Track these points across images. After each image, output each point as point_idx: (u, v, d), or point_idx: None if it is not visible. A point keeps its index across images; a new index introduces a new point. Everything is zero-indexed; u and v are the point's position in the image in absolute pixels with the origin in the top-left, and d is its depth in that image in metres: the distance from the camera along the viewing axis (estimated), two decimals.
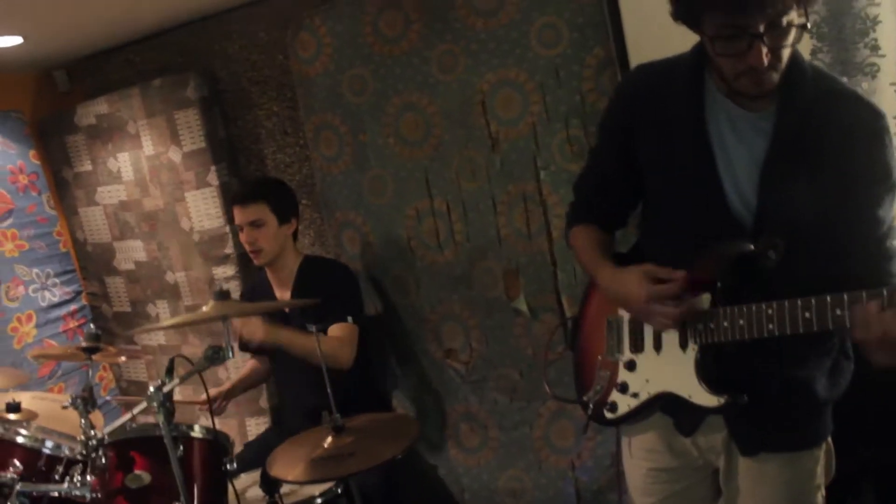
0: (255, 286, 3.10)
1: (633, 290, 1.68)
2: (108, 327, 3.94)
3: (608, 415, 1.83)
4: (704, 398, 1.65)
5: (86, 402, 2.19)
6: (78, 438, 2.37)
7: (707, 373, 1.66)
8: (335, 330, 2.83)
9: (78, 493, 2.18)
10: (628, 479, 1.97)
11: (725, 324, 1.59)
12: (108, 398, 3.81)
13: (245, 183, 2.98)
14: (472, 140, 2.90)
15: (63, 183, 3.96)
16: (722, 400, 1.64)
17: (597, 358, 1.86)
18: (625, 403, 1.79)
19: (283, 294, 2.98)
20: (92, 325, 2.40)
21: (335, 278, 2.98)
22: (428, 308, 3.14)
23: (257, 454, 2.66)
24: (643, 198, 1.86)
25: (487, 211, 2.92)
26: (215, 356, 2.02)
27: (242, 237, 2.95)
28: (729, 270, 1.61)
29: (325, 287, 2.88)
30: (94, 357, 2.43)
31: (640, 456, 1.89)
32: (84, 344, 2.43)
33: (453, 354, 3.13)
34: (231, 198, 3.11)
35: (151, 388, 2.02)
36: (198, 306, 3.64)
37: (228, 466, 2.29)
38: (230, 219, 3.43)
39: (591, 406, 1.84)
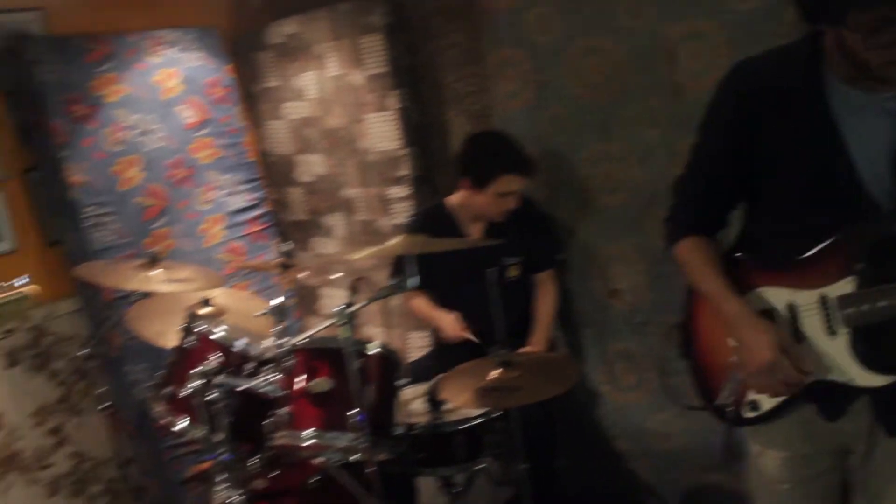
0: (434, 217, 3.22)
1: (764, 349, 1.70)
2: (285, 234, 4.23)
3: (749, 414, 1.86)
4: (869, 379, 1.68)
5: (279, 312, 2.42)
6: (263, 338, 2.63)
7: (866, 354, 1.68)
8: (546, 277, 3.05)
9: (266, 389, 2.43)
10: (757, 466, 2.00)
11: (883, 303, 1.62)
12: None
13: (522, 151, 3.00)
14: (655, 88, 2.91)
15: (252, 97, 4.22)
16: (890, 378, 1.67)
17: (723, 361, 1.87)
18: (769, 401, 1.82)
19: (473, 230, 3.14)
20: (288, 242, 2.60)
21: (545, 224, 3.15)
22: (597, 247, 3.22)
23: (422, 372, 2.86)
24: (748, 196, 1.87)
25: (664, 159, 2.94)
26: (400, 286, 2.19)
27: (503, 203, 3.01)
28: (872, 252, 1.65)
29: (532, 231, 3.06)
30: (286, 272, 2.65)
31: (774, 444, 1.92)
32: (279, 260, 2.66)
33: (618, 294, 3.21)
34: (510, 165, 3.00)
35: (338, 307, 2.22)
36: (371, 222, 3.86)
37: (399, 381, 2.50)
38: (407, 142, 3.59)
39: (727, 409, 1.87)
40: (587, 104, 3.09)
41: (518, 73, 3.25)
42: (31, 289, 1.92)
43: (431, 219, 3.20)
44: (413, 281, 2.27)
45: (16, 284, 1.92)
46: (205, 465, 3.60)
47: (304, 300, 4.30)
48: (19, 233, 3.69)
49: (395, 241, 2.39)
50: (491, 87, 3.41)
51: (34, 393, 3.75)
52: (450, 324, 3.05)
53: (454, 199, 3.21)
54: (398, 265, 3.16)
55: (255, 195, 4.10)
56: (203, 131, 3.90)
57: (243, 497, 2.41)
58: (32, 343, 3.73)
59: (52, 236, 3.76)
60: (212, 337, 2.57)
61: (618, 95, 3.01)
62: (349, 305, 2.24)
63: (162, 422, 2.67)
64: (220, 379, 2.40)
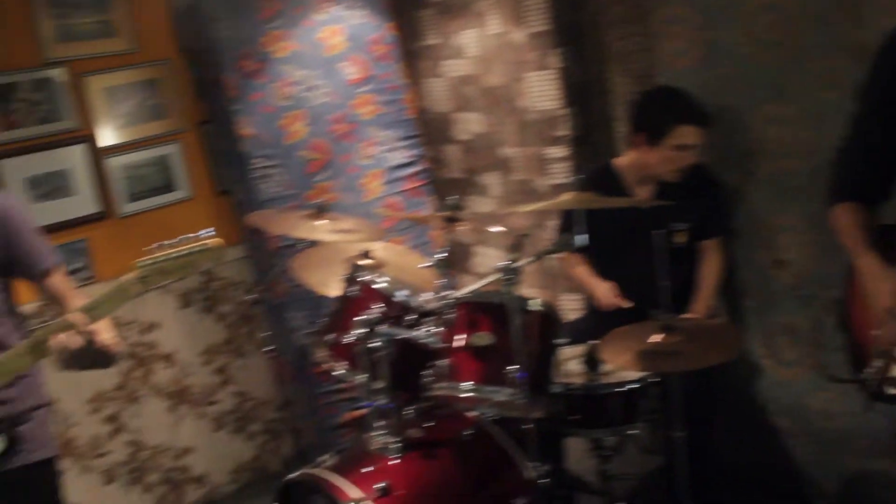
0: (603, 177, 3.16)
1: (885, 296, 1.71)
2: (441, 191, 4.27)
3: (892, 390, 1.80)
4: None
5: (444, 264, 2.46)
6: (422, 291, 2.67)
7: None
8: (713, 245, 2.99)
9: (427, 340, 2.48)
10: None
11: None
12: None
13: (698, 102, 2.94)
14: (836, 48, 2.74)
15: (412, 54, 4.26)
16: None
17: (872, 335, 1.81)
18: None
19: (641, 193, 3.08)
20: (454, 197, 2.63)
21: (716, 190, 3.06)
22: (764, 215, 3.09)
23: (578, 333, 2.84)
24: None
25: (841, 124, 2.77)
26: (566, 244, 2.18)
27: (679, 158, 2.95)
28: None
29: (703, 197, 2.98)
30: (450, 225, 2.68)
31: None
32: (445, 213, 2.69)
33: (783, 265, 3.08)
34: (687, 115, 2.92)
35: (503, 262, 2.23)
36: (527, 182, 3.84)
37: (558, 340, 2.49)
38: (567, 102, 3.54)
39: (869, 382, 1.82)
40: (760, 64, 2.95)
41: (685, 31, 3.13)
42: (216, 241, 2.01)
43: (600, 178, 3.14)
44: (581, 239, 2.25)
45: (201, 235, 2.01)
46: (358, 412, 3.73)
47: (458, 257, 4.35)
48: (194, 182, 3.91)
49: (564, 197, 2.37)
50: (656, 45, 3.31)
51: (203, 333, 3.99)
52: (605, 293, 3.02)
53: (623, 160, 3.15)
54: (565, 223, 3.15)
55: (413, 152, 4.15)
56: (365, 88, 3.97)
57: (399, 444, 2.47)
58: (203, 286, 3.96)
59: (222, 186, 3.96)
60: (375, 287, 2.63)
61: (794, 55, 2.86)
62: (513, 261, 2.25)
63: (323, 367, 2.76)
64: (382, 328, 2.46)
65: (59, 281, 2.29)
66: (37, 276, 2.26)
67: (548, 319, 2.47)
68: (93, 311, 1.97)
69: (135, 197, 3.76)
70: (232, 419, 4.11)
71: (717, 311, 3.23)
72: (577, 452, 2.99)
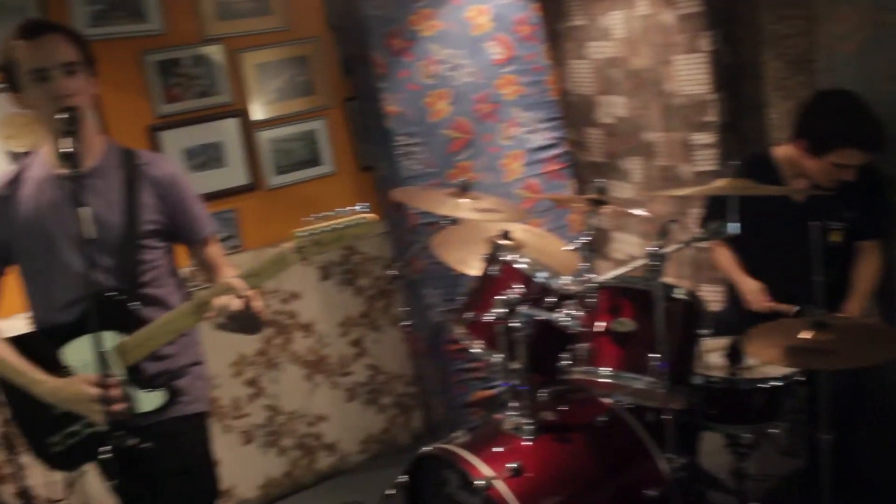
0: (759, 165, 3.02)
1: None
2: (581, 175, 4.22)
3: None
4: None
5: (589, 247, 2.43)
6: (564, 274, 2.65)
7: None
8: (872, 246, 2.91)
9: (567, 323, 2.46)
10: None
11: None
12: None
13: (872, 122, 2.74)
14: None
15: (557, 35, 4.21)
16: None
17: None
18: None
19: (797, 184, 2.96)
20: (602, 180, 2.60)
21: (880, 189, 2.91)
22: None
23: (720, 325, 2.75)
24: None
25: None
26: (718, 231, 2.11)
27: (837, 173, 2.81)
28: None
29: (865, 194, 2.84)
30: (596, 208, 2.65)
31: None
32: (591, 195, 2.66)
33: None
34: (856, 137, 2.74)
35: (650, 248, 2.19)
36: (671, 168, 3.75)
37: (702, 331, 2.42)
38: (716, 86, 3.43)
39: None
40: None
41: (855, 12, 2.96)
42: (371, 215, 2.07)
43: (756, 166, 2.97)
44: (734, 227, 2.17)
45: (357, 209, 2.07)
46: (489, 392, 3.74)
47: (596, 242, 4.29)
48: (338, 157, 4.01)
49: (718, 183, 2.30)
50: (815, 28, 3.14)
51: (341, 305, 4.09)
52: (753, 293, 2.93)
53: (781, 151, 3.02)
54: (714, 211, 3.05)
55: (555, 134, 4.11)
56: (509, 68, 3.96)
57: (532, 426, 2.46)
58: (343, 260, 4.06)
59: (365, 162, 4.04)
60: (515, 267, 2.63)
61: None
62: (661, 247, 2.20)
63: (459, 345, 2.79)
64: (521, 309, 2.45)
65: (214, 249, 2.40)
66: (195, 243, 2.37)
67: (692, 309, 2.41)
68: (252, 278, 2.07)
69: (281, 170, 3.89)
70: (364, 391, 4.21)
71: (871, 313, 3.07)
72: (713, 448, 2.91)
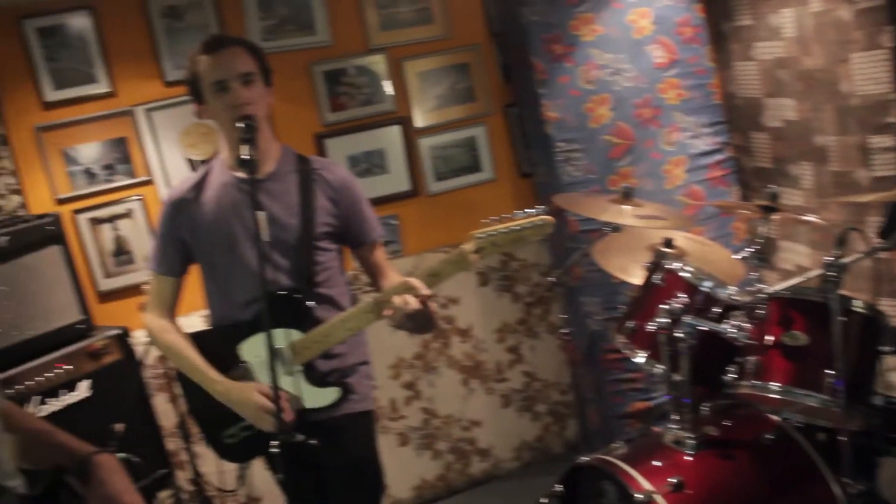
0: None
1: None
2: (746, 181, 4.06)
3: None
4: None
5: (759, 256, 2.33)
6: (730, 284, 2.55)
7: None
8: None
9: (734, 335, 2.36)
10: None
11: None
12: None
13: None
14: None
15: (721, 36, 4.07)
16: None
17: None
18: None
19: None
20: (773, 186, 2.49)
21: None
22: None
23: None
24: None
25: None
26: None
27: None
28: None
29: None
30: (768, 215, 2.54)
31: None
32: (763, 202, 2.55)
33: None
34: None
35: (828, 258, 2.07)
36: (846, 174, 3.54)
37: (882, 347, 2.27)
38: None
39: None
40: None
41: None
42: (547, 218, 2.09)
43: None
44: None
45: (532, 212, 2.11)
46: (646, 404, 3.66)
47: (764, 251, 4.10)
48: (498, 164, 4.04)
49: None
50: None
51: (499, 311, 4.11)
52: None
53: None
54: None
55: (719, 139, 3.97)
56: (671, 72, 3.86)
57: (694, 440, 2.38)
58: (502, 266, 4.08)
59: (525, 168, 4.05)
60: (680, 276, 2.56)
61: None
62: (840, 258, 2.08)
63: (619, 354, 2.74)
64: (686, 319, 2.38)
65: (380, 251, 2.48)
66: (363, 245, 2.45)
67: (872, 323, 2.26)
68: (430, 278, 2.14)
69: (441, 176, 3.96)
70: (519, 398, 4.21)
71: None
72: (892, 475, 2.72)
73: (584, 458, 2.48)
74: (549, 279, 3.21)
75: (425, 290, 2.13)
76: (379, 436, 3.83)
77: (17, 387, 2.81)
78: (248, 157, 2.04)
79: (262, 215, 1.95)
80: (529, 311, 4.16)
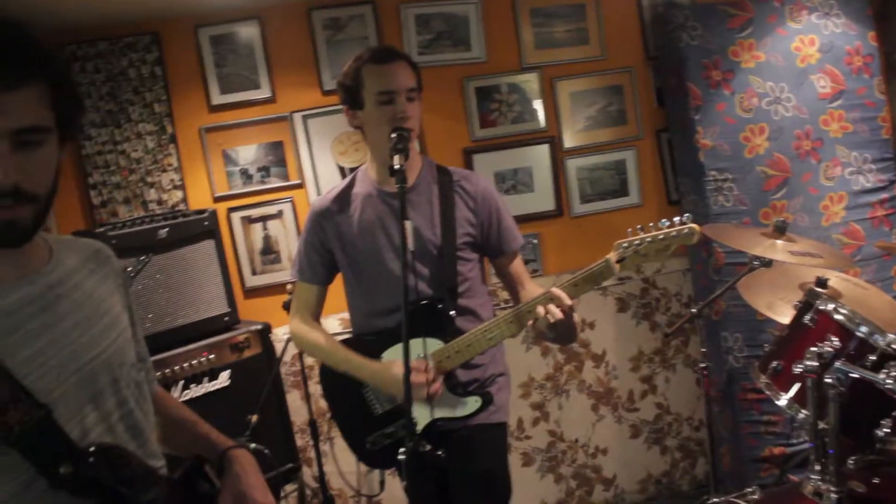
0: None
1: None
2: None
3: None
4: None
5: None
6: (889, 332, 2.38)
7: None
8: None
9: (892, 387, 2.21)
10: None
11: None
12: None
13: None
14: None
15: (894, 66, 3.85)
16: None
17: None
18: None
19: None
20: None
21: None
22: None
23: None
24: None
25: None
26: None
27: None
28: None
29: None
30: None
31: None
32: None
33: None
34: None
35: None
36: None
37: None
38: None
39: None
40: None
41: None
42: (692, 227, 2.06)
43: None
44: None
45: (677, 221, 2.07)
46: (783, 450, 3.49)
47: None
48: (645, 189, 3.96)
49: None
50: None
51: (635, 339, 4.02)
52: None
53: None
54: None
55: (885, 176, 3.75)
56: (836, 103, 3.68)
57: (837, 495, 2.24)
58: (642, 293, 3.98)
59: (672, 195, 3.95)
60: (834, 318, 2.41)
61: None
62: None
63: (758, 394, 2.61)
64: (837, 364, 2.24)
65: (519, 263, 2.47)
66: (503, 256, 2.45)
67: None
68: (573, 288, 2.14)
69: (587, 198, 3.91)
70: (649, 429, 4.09)
71: None
72: None
73: (715, 500, 2.38)
74: (690, 311, 3.10)
75: (568, 301, 2.10)
76: None
77: (165, 370, 2.96)
78: (400, 166, 2.07)
79: (409, 224, 1.97)
80: (667, 342, 4.04)
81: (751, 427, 3.61)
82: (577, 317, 2.18)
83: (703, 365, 3.21)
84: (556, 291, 2.12)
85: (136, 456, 1.38)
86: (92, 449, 1.27)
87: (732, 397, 3.63)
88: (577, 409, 4.00)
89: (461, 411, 2.30)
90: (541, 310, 2.12)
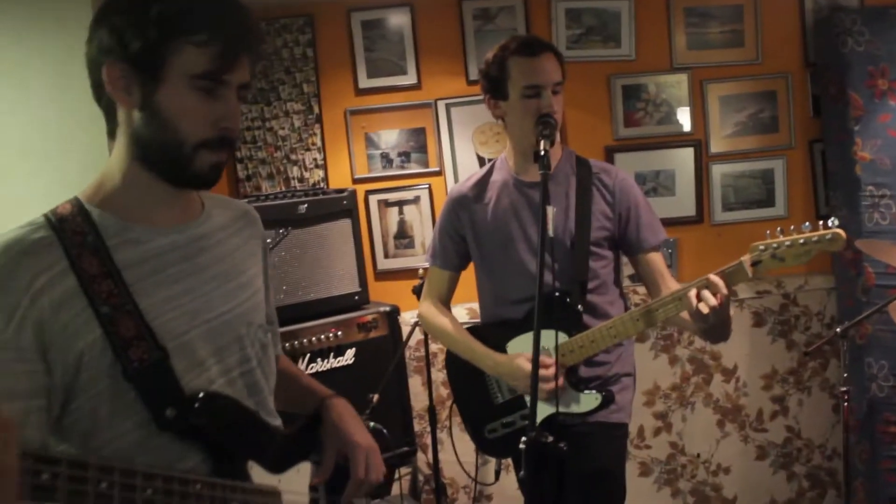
0: None
1: None
2: None
3: None
4: None
5: None
6: None
7: None
8: None
9: None
10: None
11: None
12: None
13: None
14: None
15: None
16: None
17: None
18: None
19: None
20: None
21: None
22: None
23: None
24: None
25: None
26: None
27: None
28: None
29: None
30: None
31: None
32: None
33: None
34: None
35: None
36: None
37: None
38: None
39: None
40: None
41: None
42: (836, 232, 1.94)
43: None
44: None
45: (821, 225, 1.97)
46: None
47: None
48: (793, 201, 3.78)
49: None
50: None
51: (770, 357, 3.85)
52: None
53: None
54: None
55: None
56: None
57: None
58: (781, 309, 3.81)
59: (822, 209, 3.75)
60: None
61: None
62: None
63: None
64: None
65: (659, 259, 2.39)
66: (642, 251, 2.37)
67: None
68: (728, 278, 2.03)
69: (729, 206, 3.77)
70: (777, 453, 3.91)
71: None
72: None
73: None
74: (833, 332, 2.93)
75: (725, 289, 1.99)
76: None
77: (293, 342, 3.03)
78: (545, 152, 2.05)
79: (551, 210, 1.94)
80: (804, 363, 3.84)
81: (891, 463, 3.39)
82: (732, 310, 2.07)
83: (842, 390, 3.05)
84: (714, 278, 2.02)
85: (250, 409, 1.41)
86: (200, 395, 1.30)
87: (872, 429, 3.43)
88: (701, 423, 3.86)
89: (580, 407, 2.26)
90: (692, 296, 2.01)
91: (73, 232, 1.26)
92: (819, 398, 3.87)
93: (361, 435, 1.57)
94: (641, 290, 3.23)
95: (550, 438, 1.90)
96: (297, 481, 1.50)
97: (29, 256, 1.22)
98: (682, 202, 3.75)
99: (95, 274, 1.25)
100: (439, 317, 2.53)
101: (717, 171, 3.75)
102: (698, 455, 3.88)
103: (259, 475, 1.42)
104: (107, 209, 1.31)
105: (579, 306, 2.26)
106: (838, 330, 2.91)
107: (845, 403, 3.04)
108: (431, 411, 3.37)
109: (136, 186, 1.32)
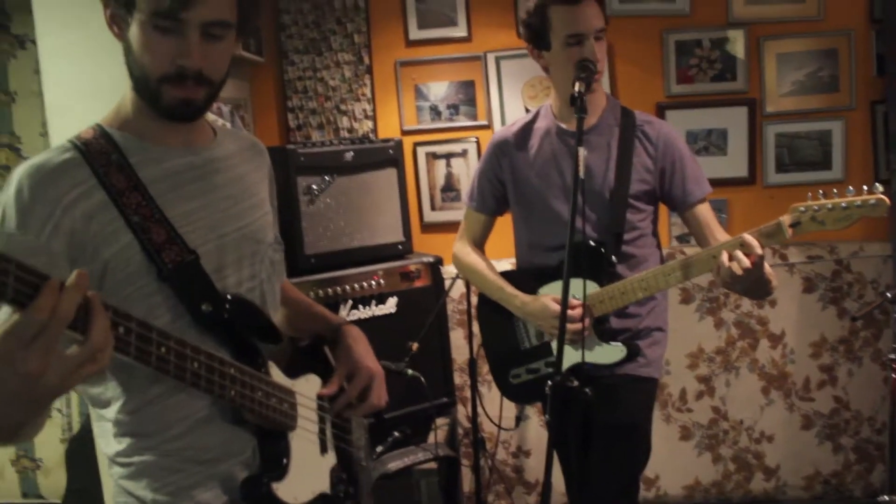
0: None
1: None
2: None
3: None
4: None
5: None
6: None
7: None
8: None
9: None
10: None
11: None
12: None
13: None
14: None
15: None
16: None
17: None
18: None
19: None
20: None
21: None
22: None
23: None
24: None
25: None
26: None
27: None
28: None
29: None
30: None
31: None
32: None
33: None
34: None
35: None
36: None
37: None
38: None
39: None
40: None
41: None
42: (880, 197, 1.88)
43: None
44: None
45: (866, 189, 1.90)
46: None
47: None
48: (850, 164, 3.67)
49: None
50: None
51: (819, 324, 3.77)
52: None
53: None
54: None
55: None
56: None
57: None
58: (833, 275, 3.71)
59: (882, 174, 3.64)
60: None
61: None
62: None
63: None
64: None
65: (706, 211, 2.34)
66: (688, 205, 2.33)
67: None
68: (765, 238, 1.99)
69: (783, 168, 3.67)
70: (823, 423, 3.83)
71: None
72: None
73: (885, 499, 2.19)
74: (887, 301, 2.85)
75: (759, 249, 1.94)
76: (661, 424, 3.74)
77: (336, 288, 3.06)
78: (580, 93, 2.02)
79: (582, 152, 1.92)
80: (855, 332, 3.74)
81: None
82: (768, 268, 2.03)
83: (892, 357, 2.96)
84: (748, 238, 1.97)
85: (266, 315, 1.52)
86: (229, 296, 1.42)
87: None
88: (745, 388, 3.80)
89: (605, 358, 2.26)
90: (725, 257, 1.97)
91: (98, 152, 1.37)
92: (870, 369, 3.77)
93: (371, 360, 1.66)
94: (688, 250, 3.19)
95: (576, 383, 1.89)
96: (307, 389, 1.60)
97: (60, 173, 1.33)
98: (734, 162, 3.66)
99: (123, 188, 1.36)
100: (471, 255, 2.56)
101: (772, 130, 3.64)
102: (741, 421, 3.82)
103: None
104: (126, 131, 1.42)
105: (613, 257, 2.24)
106: (888, 294, 2.83)
107: (893, 374, 2.96)
108: (472, 364, 3.37)
109: (143, 113, 1.42)
